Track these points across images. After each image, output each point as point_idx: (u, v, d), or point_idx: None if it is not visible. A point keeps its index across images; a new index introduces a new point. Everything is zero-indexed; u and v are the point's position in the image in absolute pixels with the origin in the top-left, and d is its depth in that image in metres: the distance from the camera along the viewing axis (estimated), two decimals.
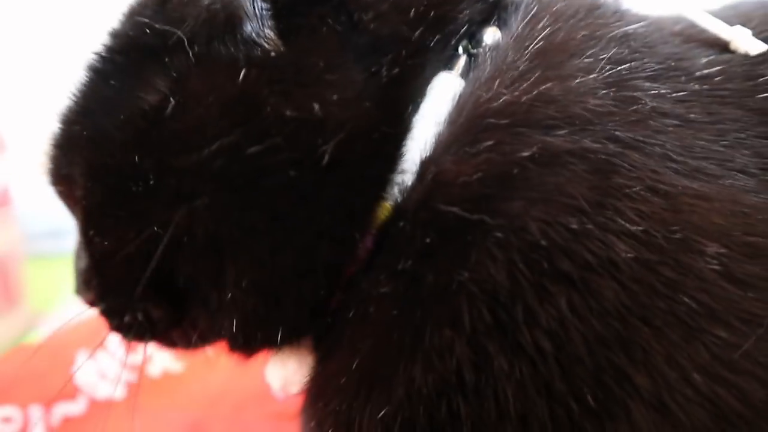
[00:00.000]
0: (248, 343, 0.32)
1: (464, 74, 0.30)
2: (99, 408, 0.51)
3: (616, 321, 0.23)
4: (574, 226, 0.24)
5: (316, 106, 0.27)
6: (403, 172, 0.29)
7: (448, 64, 0.31)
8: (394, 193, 0.29)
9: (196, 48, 0.29)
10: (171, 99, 0.29)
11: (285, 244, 0.29)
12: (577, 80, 0.27)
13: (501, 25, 0.32)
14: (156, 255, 0.29)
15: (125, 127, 0.30)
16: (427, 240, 0.26)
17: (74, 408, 0.51)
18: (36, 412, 0.50)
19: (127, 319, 0.33)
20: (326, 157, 0.27)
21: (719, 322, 0.23)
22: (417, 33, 0.30)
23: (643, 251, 0.24)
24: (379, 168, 0.29)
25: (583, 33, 0.30)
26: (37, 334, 0.72)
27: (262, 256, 0.29)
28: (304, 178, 0.28)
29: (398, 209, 0.28)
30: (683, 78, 0.29)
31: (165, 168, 0.29)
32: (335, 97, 0.28)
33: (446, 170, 0.27)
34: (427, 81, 0.30)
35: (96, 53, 0.33)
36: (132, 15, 0.33)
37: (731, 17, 0.31)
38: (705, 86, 0.29)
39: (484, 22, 0.32)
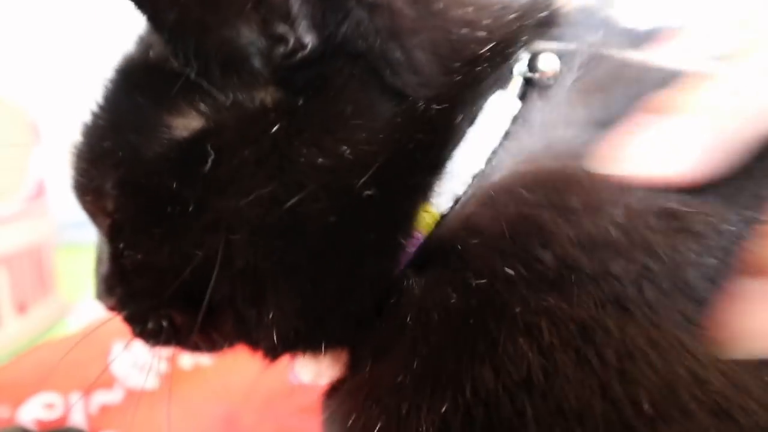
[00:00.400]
0: (287, 352, 0.33)
1: (521, 96, 0.30)
2: (135, 397, 0.53)
3: None
4: None
5: (347, 150, 0.28)
6: (451, 178, 0.29)
7: (502, 85, 0.30)
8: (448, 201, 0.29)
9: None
10: (209, 149, 0.28)
11: (327, 276, 0.29)
12: None
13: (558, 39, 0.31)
14: (187, 272, 0.29)
15: (161, 154, 0.29)
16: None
17: (112, 397, 0.53)
18: (76, 399, 0.52)
19: (151, 325, 0.33)
20: (363, 194, 0.28)
21: None
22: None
23: None
24: (421, 181, 0.29)
25: None
26: (68, 323, 0.74)
27: (304, 288, 0.29)
28: (344, 219, 0.28)
29: (444, 221, 0.28)
30: None
31: (203, 201, 0.29)
32: (363, 136, 0.28)
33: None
34: (478, 100, 0.30)
35: (118, 66, 0.32)
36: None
37: None
38: None
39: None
